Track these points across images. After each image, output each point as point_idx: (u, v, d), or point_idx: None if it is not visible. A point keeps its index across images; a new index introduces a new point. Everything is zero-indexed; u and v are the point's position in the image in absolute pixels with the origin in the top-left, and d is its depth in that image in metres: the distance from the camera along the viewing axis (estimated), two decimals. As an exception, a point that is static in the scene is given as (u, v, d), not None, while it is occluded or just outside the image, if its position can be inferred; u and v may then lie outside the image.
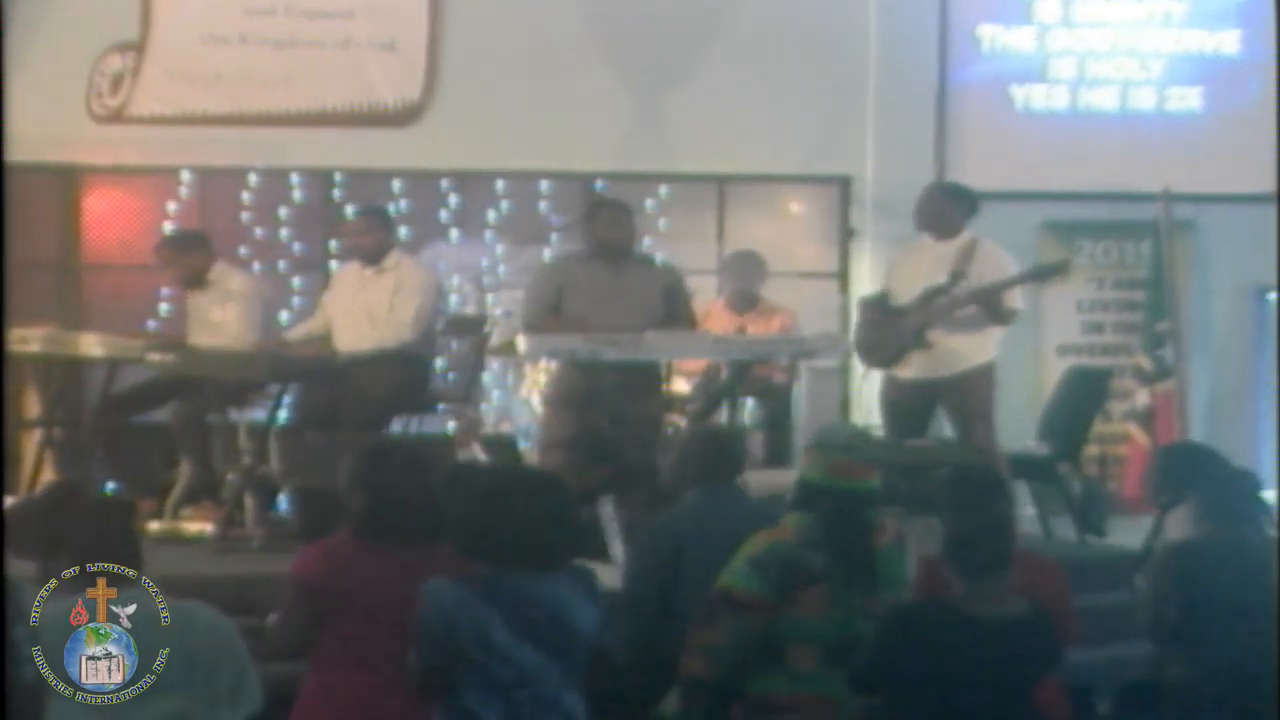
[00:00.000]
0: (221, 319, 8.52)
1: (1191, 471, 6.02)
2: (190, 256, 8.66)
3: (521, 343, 7.80)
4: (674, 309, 8.04)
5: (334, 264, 9.56)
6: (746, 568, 4.95)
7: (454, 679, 4.48)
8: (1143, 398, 10.17)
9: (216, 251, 8.87)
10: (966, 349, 8.18)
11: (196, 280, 8.63)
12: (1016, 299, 8.29)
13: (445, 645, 4.45)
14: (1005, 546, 4.81)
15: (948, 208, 8.36)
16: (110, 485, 8.56)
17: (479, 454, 8.55)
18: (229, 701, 4.01)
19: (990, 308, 8.14)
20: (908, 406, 8.30)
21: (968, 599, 4.71)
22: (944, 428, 8.58)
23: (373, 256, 8.42)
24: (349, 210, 10.17)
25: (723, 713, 4.99)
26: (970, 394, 8.19)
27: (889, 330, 8.30)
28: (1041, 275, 8.25)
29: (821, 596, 4.89)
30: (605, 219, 8.08)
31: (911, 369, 8.27)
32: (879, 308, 8.44)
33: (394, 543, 4.89)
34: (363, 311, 8.34)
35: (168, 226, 9.99)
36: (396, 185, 10.52)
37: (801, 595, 4.89)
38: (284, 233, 10.48)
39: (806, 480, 5.09)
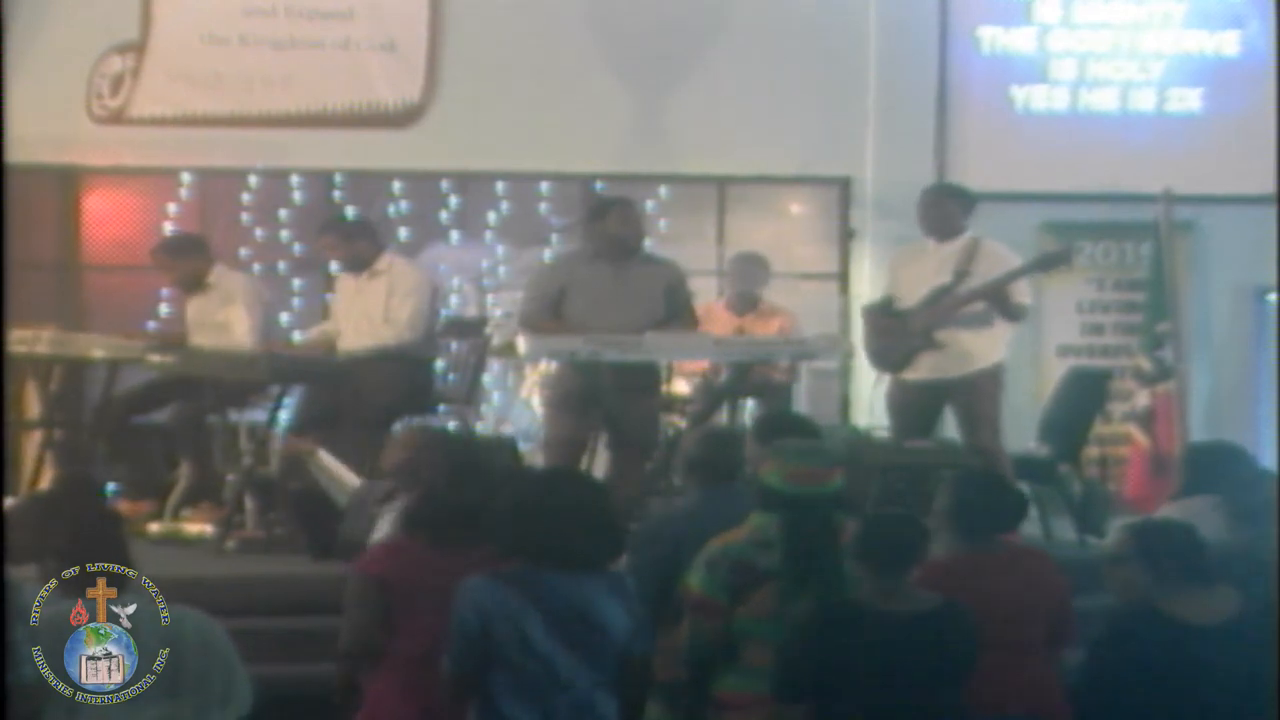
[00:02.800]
0: (222, 322, 8.52)
1: (1222, 470, 6.07)
2: (187, 260, 8.66)
3: (522, 344, 7.80)
4: (675, 307, 8.03)
5: (335, 265, 9.55)
6: (700, 568, 4.99)
7: (488, 683, 4.47)
8: (1143, 399, 10.15)
9: (216, 254, 8.87)
10: (975, 350, 8.18)
11: (195, 284, 8.63)
12: (1025, 294, 8.28)
13: (482, 644, 4.44)
14: (908, 542, 4.82)
15: (952, 209, 8.37)
16: (111, 486, 8.57)
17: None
18: (219, 705, 4.01)
19: (998, 303, 8.14)
20: (916, 408, 8.29)
21: (876, 597, 4.72)
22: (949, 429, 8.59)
23: (357, 265, 8.43)
24: (349, 211, 10.19)
25: (694, 714, 5.00)
26: (978, 396, 8.18)
27: (897, 334, 8.30)
28: (1045, 265, 8.25)
29: (772, 595, 4.90)
30: (617, 217, 8.05)
31: (920, 371, 8.26)
32: (884, 313, 8.44)
33: (460, 543, 4.90)
34: (362, 316, 8.35)
35: (165, 230, 9.99)
36: (396, 186, 10.53)
37: (753, 595, 4.91)
38: (284, 234, 10.49)
39: (768, 487, 5.08)
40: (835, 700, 4.68)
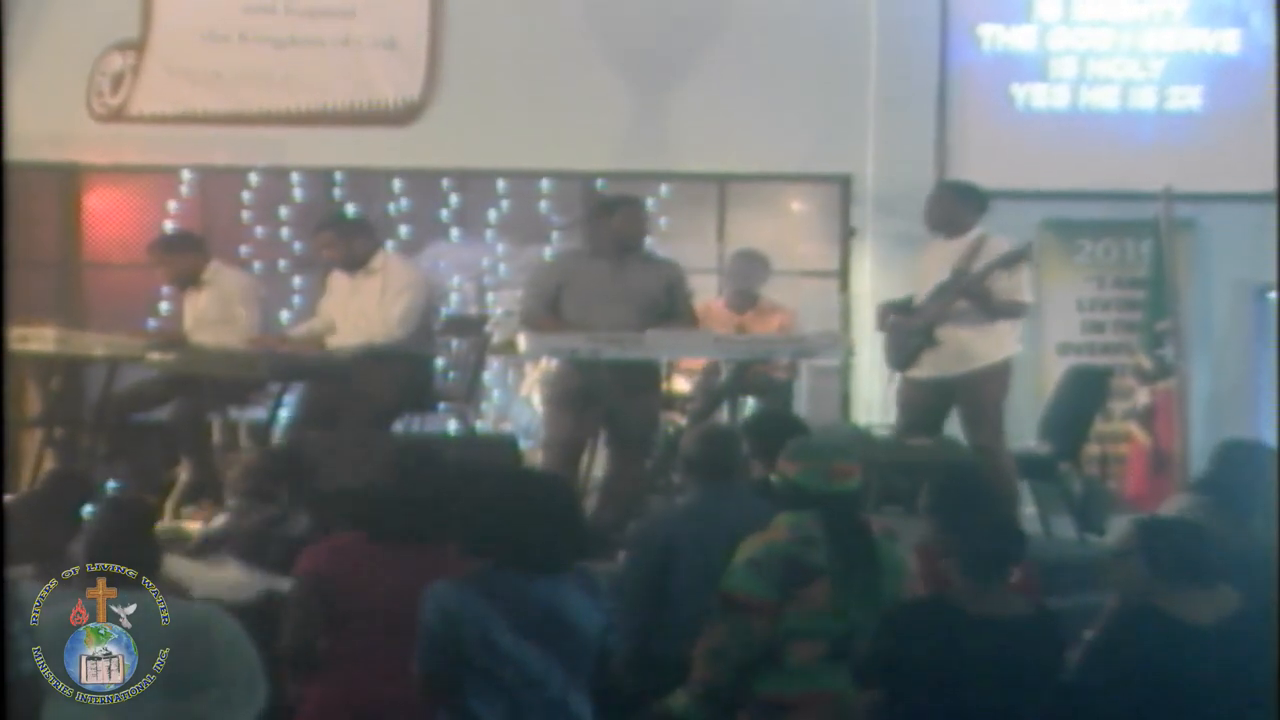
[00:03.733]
0: (217, 318, 8.52)
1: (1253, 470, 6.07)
2: (181, 257, 8.65)
3: (522, 341, 7.79)
4: (675, 305, 8.03)
5: (329, 263, 9.55)
6: (746, 570, 4.94)
7: (459, 683, 4.46)
8: (1143, 397, 10.14)
9: (214, 251, 8.87)
10: (977, 347, 8.18)
11: (190, 280, 8.63)
12: (1021, 292, 8.26)
13: (449, 648, 4.43)
14: (1017, 548, 4.83)
15: (954, 206, 8.37)
16: (111, 484, 8.57)
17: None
18: (244, 703, 4.02)
19: (980, 302, 8.14)
20: (922, 406, 8.29)
21: (973, 599, 4.72)
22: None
23: (353, 263, 8.41)
24: (349, 209, 10.20)
25: (731, 716, 5.00)
26: (980, 393, 8.18)
27: (904, 331, 8.32)
28: (1005, 262, 8.23)
29: (823, 592, 4.90)
30: (624, 216, 8.05)
31: (924, 369, 8.27)
32: (895, 310, 8.45)
33: (406, 542, 4.89)
34: (359, 315, 8.34)
35: (166, 226, 9.99)
36: (397, 184, 10.53)
37: (803, 592, 4.91)
38: (284, 232, 10.49)
39: (802, 486, 5.08)
40: (912, 693, 4.68)
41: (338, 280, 8.64)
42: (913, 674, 4.68)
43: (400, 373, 8.24)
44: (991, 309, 8.16)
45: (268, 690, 4.23)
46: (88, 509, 5.95)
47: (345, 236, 8.51)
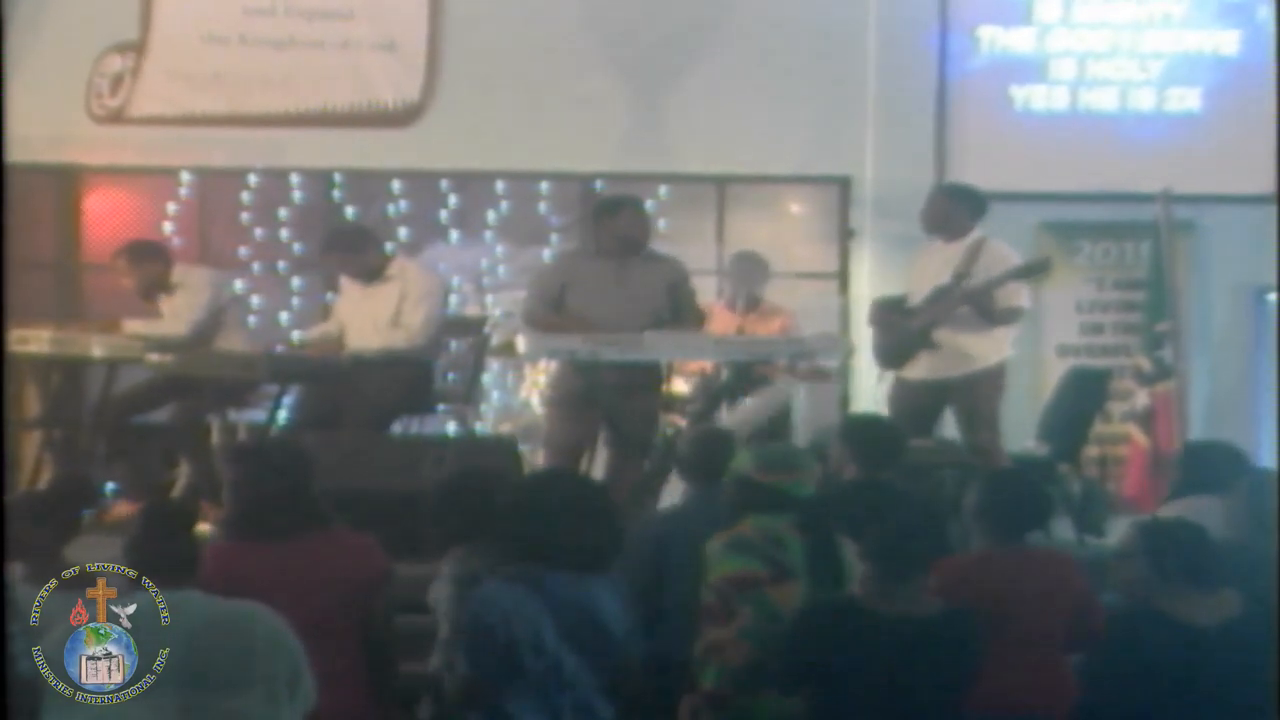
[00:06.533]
0: (181, 314, 8.51)
1: (1224, 471, 6.09)
2: (146, 265, 8.62)
3: (521, 343, 7.79)
4: (679, 306, 8.03)
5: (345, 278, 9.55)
6: (727, 552, 5.01)
7: (499, 685, 4.47)
8: (1142, 398, 10.15)
9: (213, 253, 8.87)
10: (975, 350, 8.20)
11: (158, 286, 8.59)
12: (1020, 298, 8.28)
13: (500, 649, 4.44)
14: (923, 549, 4.82)
15: (952, 209, 8.39)
16: (110, 485, 8.57)
17: None
18: (288, 699, 4.01)
19: (982, 308, 8.15)
20: (915, 407, 8.30)
21: (880, 598, 4.72)
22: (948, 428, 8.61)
23: (368, 275, 8.40)
24: (349, 211, 10.21)
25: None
26: (977, 395, 8.20)
27: (899, 332, 8.33)
28: (1023, 274, 8.26)
29: (789, 594, 4.92)
30: (628, 215, 8.05)
31: (920, 370, 8.29)
32: (891, 310, 8.46)
33: (266, 539, 4.94)
34: (368, 319, 8.33)
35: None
36: (396, 186, 10.53)
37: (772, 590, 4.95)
38: (284, 233, 10.49)
39: (778, 489, 5.11)
40: (831, 696, 4.69)
41: (350, 285, 8.61)
42: (824, 675, 4.69)
43: (403, 376, 8.23)
44: (993, 316, 8.18)
45: (314, 690, 4.22)
46: (89, 511, 5.97)
47: (354, 253, 8.48)
